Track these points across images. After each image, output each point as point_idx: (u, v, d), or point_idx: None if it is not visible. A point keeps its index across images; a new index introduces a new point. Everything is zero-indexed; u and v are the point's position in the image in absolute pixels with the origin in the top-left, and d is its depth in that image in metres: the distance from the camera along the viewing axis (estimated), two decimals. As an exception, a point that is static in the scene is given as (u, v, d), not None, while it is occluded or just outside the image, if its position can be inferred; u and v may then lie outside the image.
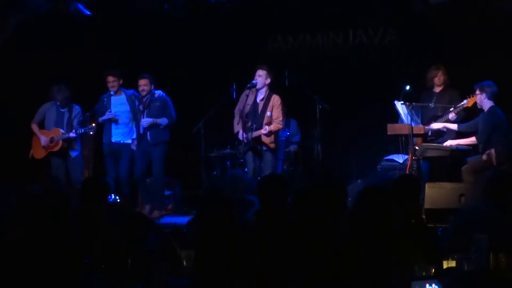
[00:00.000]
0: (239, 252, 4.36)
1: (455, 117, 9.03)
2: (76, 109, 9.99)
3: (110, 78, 9.86)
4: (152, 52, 11.53)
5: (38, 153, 9.97)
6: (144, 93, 9.70)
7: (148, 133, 9.69)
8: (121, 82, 9.91)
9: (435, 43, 10.47)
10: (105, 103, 9.92)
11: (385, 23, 11.13)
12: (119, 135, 9.87)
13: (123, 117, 9.87)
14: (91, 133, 9.81)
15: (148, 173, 9.87)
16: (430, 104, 9.32)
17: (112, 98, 9.92)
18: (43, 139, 9.85)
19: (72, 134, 9.75)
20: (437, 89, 9.48)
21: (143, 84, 9.69)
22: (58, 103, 9.92)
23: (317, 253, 3.79)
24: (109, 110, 9.83)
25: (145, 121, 9.64)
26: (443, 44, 10.42)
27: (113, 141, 9.85)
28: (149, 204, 9.73)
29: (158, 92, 9.79)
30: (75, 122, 9.88)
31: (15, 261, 4.17)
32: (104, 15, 11.25)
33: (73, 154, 9.92)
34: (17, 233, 4.43)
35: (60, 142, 9.80)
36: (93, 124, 9.74)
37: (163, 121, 9.67)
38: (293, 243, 3.94)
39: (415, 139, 9.17)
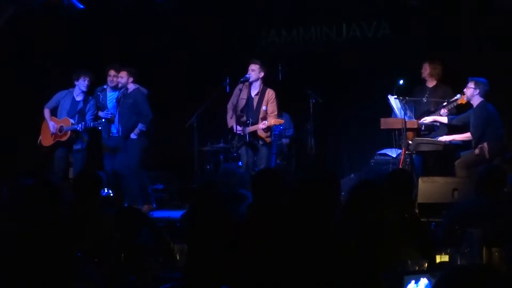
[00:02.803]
0: (231, 246, 4.36)
1: (446, 113, 9.04)
2: (90, 100, 9.81)
3: (112, 72, 9.74)
4: (145, 46, 11.50)
5: (46, 140, 9.79)
6: (119, 85, 9.61)
7: (120, 128, 9.57)
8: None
9: (429, 37, 10.47)
10: (100, 98, 9.83)
11: (378, 16, 11.12)
12: (115, 129, 9.78)
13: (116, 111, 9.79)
14: (100, 128, 9.62)
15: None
16: (423, 99, 9.33)
17: (108, 93, 9.86)
18: (52, 125, 9.69)
19: (79, 127, 9.52)
20: (430, 84, 9.49)
21: (119, 75, 9.57)
22: (84, 81, 9.68)
23: (309, 247, 3.79)
24: (107, 110, 9.74)
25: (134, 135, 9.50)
26: (437, 38, 10.42)
27: (111, 135, 9.78)
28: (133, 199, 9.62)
29: (132, 87, 9.56)
30: (88, 115, 9.71)
31: (7, 253, 4.16)
32: (96, 8, 11.21)
33: (78, 147, 9.75)
34: (9, 226, 4.43)
35: (69, 132, 9.63)
36: (103, 119, 9.63)
37: (140, 127, 9.43)
38: (285, 237, 3.94)
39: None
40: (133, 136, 9.42)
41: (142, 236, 5.21)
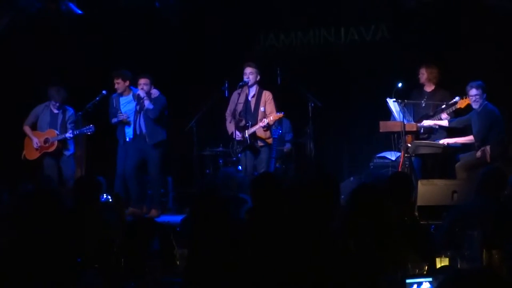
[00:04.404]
0: (231, 250, 4.35)
1: (447, 118, 9.03)
2: (70, 111, 9.93)
3: (115, 80, 9.85)
4: (144, 50, 11.49)
5: (31, 154, 9.93)
6: (142, 93, 9.68)
7: (146, 132, 9.66)
8: (127, 83, 9.83)
9: (427, 40, 10.48)
10: (114, 104, 9.91)
11: (376, 20, 11.12)
12: (131, 133, 9.83)
13: (132, 115, 9.83)
14: (89, 133, 9.76)
15: (139, 171, 9.81)
16: (422, 102, 9.32)
17: (120, 98, 9.92)
18: (35, 141, 9.82)
19: (68, 135, 9.71)
20: (428, 89, 9.48)
21: (143, 83, 9.67)
22: (55, 104, 9.83)
23: (309, 251, 3.79)
24: (120, 112, 9.78)
25: (147, 103, 9.62)
26: (435, 41, 10.43)
27: (127, 140, 9.81)
28: (145, 203, 9.72)
29: (156, 93, 9.76)
30: (69, 124, 9.84)
31: (7, 259, 4.15)
32: (95, 14, 11.20)
33: (67, 153, 9.92)
34: (9, 232, 4.42)
35: (56, 142, 9.78)
36: (91, 125, 9.69)
37: (150, 105, 9.62)
38: (285, 241, 3.93)
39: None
40: (148, 105, 9.59)
41: (153, 246, 5.21)
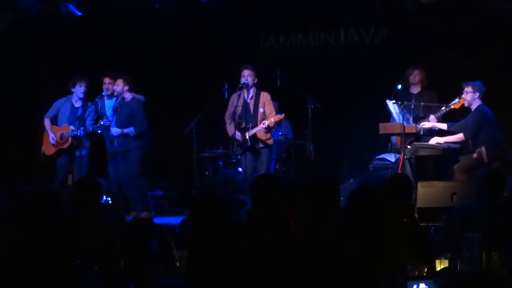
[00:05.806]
0: (231, 252, 4.36)
1: (435, 120, 9.01)
2: (89, 106, 9.79)
3: (107, 80, 9.73)
4: (143, 52, 11.50)
5: (48, 149, 9.81)
6: (115, 93, 9.61)
7: (115, 140, 9.55)
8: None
9: (426, 42, 10.48)
10: (99, 106, 9.83)
11: (376, 22, 11.13)
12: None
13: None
14: (99, 131, 9.62)
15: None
16: (422, 104, 9.30)
17: (106, 101, 9.86)
18: (51, 136, 9.71)
19: (80, 132, 9.51)
20: (415, 90, 9.42)
21: (116, 83, 9.56)
22: (81, 87, 9.70)
23: (309, 252, 3.79)
24: (105, 117, 9.71)
25: (114, 131, 9.50)
26: (434, 43, 10.44)
27: (114, 144, 9.75)
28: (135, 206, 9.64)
29: (129, 97, 9.58)
30: (88, 121, 9.71)
31: (7, 261, 4.15)
32: (95, 15, 11.20)
33: (82, 152, 9.68)
34: (8, 234, 4.42)
35: (69, 139, 9.65)
36: (101, 122, 9.54)
37: (130, 131, 9.42)
38: (285, 242, 3.94)
39: (394, 138, 9.19)
40: (116, 133, 9.45)
41: (151, 247, 5.20)
